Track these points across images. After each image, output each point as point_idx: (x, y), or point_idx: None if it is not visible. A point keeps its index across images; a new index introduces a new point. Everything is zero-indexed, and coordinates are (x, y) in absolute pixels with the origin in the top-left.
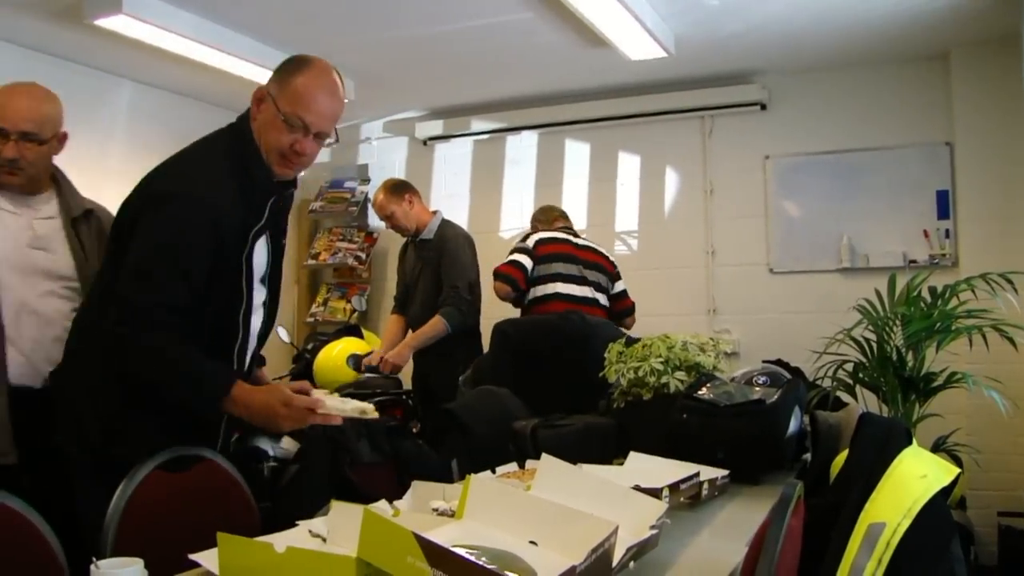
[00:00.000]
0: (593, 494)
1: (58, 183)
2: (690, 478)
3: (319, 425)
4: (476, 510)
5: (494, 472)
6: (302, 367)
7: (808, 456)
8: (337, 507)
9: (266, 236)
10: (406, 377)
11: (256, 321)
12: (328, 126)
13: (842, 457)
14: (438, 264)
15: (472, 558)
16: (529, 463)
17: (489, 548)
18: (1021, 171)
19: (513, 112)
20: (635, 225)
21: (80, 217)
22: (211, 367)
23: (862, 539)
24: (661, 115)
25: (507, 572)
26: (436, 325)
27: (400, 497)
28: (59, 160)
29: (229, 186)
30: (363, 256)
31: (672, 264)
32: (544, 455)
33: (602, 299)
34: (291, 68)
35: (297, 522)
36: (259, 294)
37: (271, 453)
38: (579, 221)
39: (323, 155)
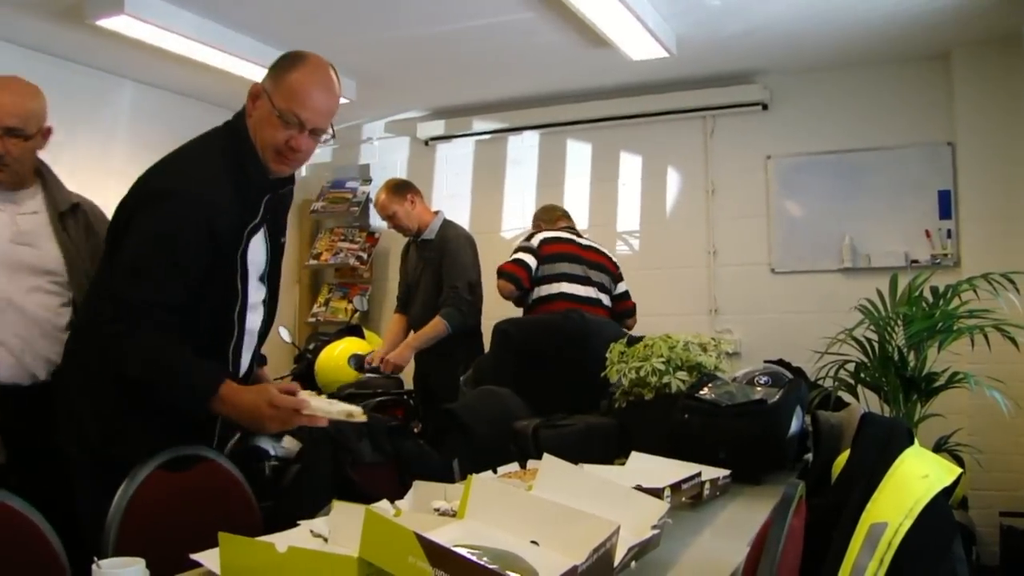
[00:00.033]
0: (595, 494)
1: (43, 177)
2: (692, 478)
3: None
4: (477, 510)
5: (495, 472)
6: (303, 367)
7: (810, 456)
8: (338, 507)
9: (264, 234)
10: (407, 377)
11: (255, 319)
12: (324, 122)
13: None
14: (439, 264)
15: (474, 558)
16: (530, 463)
17: (491, 548)
18: (1023, 171)
19: (515, 112)
20: (637, 225)
21: (67, 211)
22: (200, 366)
23: (864, 539)
24: (663, 115)
25: (509, 572)
26: (437, 326)
27: (401, 497)
28: (62, 160)
29: (225, 183)
30: (365, 256)
31: (674, 264)
32: (545, 455)
33: (605, 300)
34: (286, 64)
35: (299, 522)
36: (258, 292)
37: (272, 452)
38: (581, 221)
39: (325, 155)
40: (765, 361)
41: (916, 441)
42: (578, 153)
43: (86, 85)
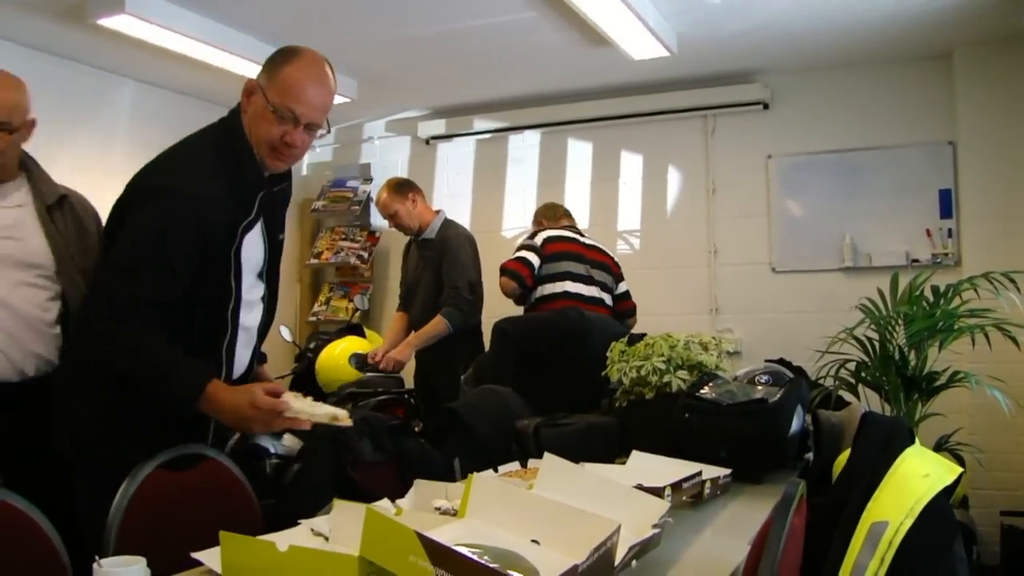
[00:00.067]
0: (595, 493)
1: (29, 170)
2: (692, 477)
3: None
4: (478, 509)
5: (496, 471)
6: (304, 366)
7: (810, 455)
8: (339, 506)
9: (260, 231)
10: (408, 376)
11: (253, 317)
12: (319, 117)
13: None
14: (439, 264)
15: (475, 557)
16: (531, 462)
17: (491, 547)
18: None
19: (515, 111)
20: (637, 224)
21: (54, 204)
22: (187, 365)
23: (864, 538)
24: (663, 114)
25: (509, 571)
26: (437, 325)
27: (402, 496)
28: (62, 159)
29: (218, 180)
30: (365, 255)
31: (674, 263)
32: (546, 454)
33: (607, 299)
34: (280, 59)
35: (299, 521)
36: (256, 289)
37: (272, 451)
38: (581, 220)
39: (326, 154)
40: (766, 360)
41: (917, 440)
42: (579, 152)
43: (87, 84)
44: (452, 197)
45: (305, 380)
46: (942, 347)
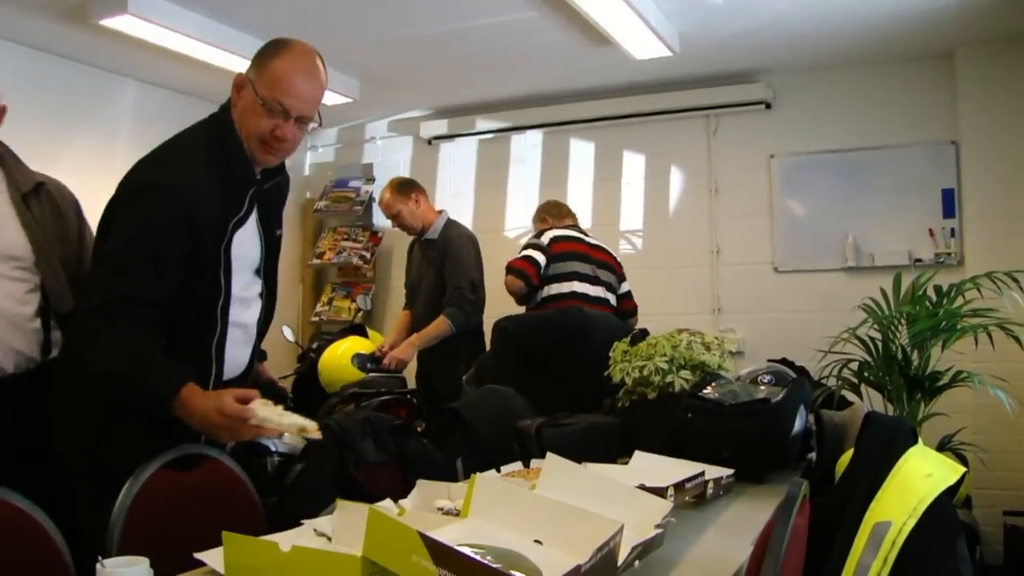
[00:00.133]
0: (598, 493)
1: (2, 159)
2: (695, 477)
3: (329, 422)
4: (481, 509)
5: (499, 471)
6: (307, 366)
7: (813, 455)
8: (342, 506)
9: (255, 227)
10: (410, 375)
11: (249, 314)
12: (309, 110)
13: (847, 456)
14: (442, 264)
15: (477, 557)
16: (534, 462)
17: (494, 547)
18: None
19: (518, 111)
20: (640, 224)
21: (30, 192)
22: (165, 366)
23: (867, 538)
24: (665, 114)
25: (512, 571)
26: (440, 325)
27: (405, 496)
28: (64, 159)
29: (208, 176)
30: (368, 255)
31: (677, 263)
32: (549, 454)
33: (612, 300)
34: (269, 51)
35: (302, 521)
36: (252, 286)
37: (274, 448)
38: (584, 220)
39: (328, 154)
40: (768, 360)
41: (920, 440)
42: (581, 152)
43: (89, 84)
44: (454, 197)
45: (307, 380)
46: (945, 347)
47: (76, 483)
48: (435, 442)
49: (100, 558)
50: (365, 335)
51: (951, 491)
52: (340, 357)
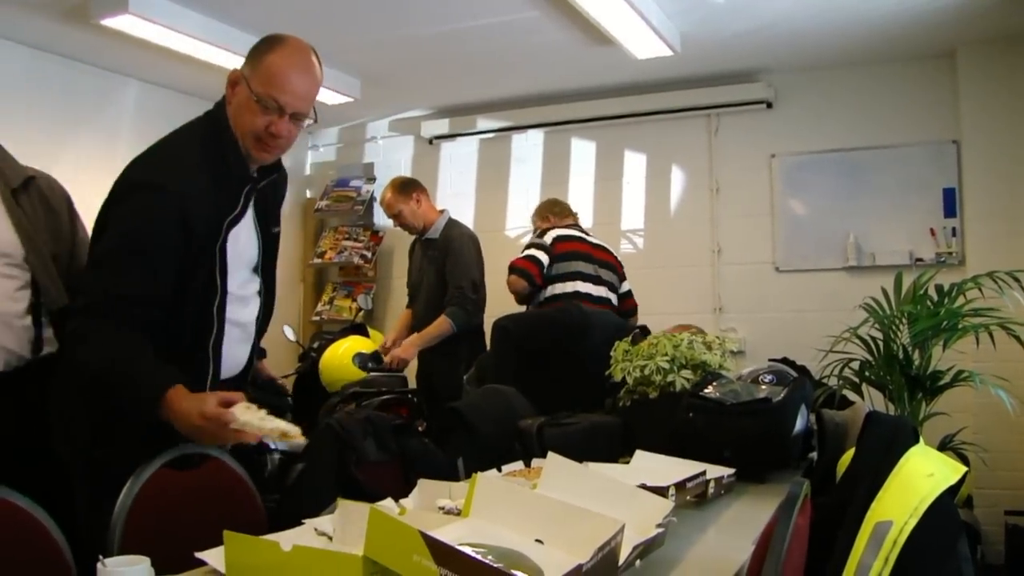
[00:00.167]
0: (599, 493)
1: None
2: (696, 477)
3: (330, 421)
4: (482, 509)
5: (500, 470)
6: (308, 366)
7: (814, 455)
8: (343, 506)
9: (252, 225)
10: (410, 375)
11: (247, 312)
12: (304, 106)
13: (849, 455)
14: (443, 263)
15: (479, 557)
16: (535, 461)
17: (495, 547)
18: None
19: (519, 111)
20: (641, 224)
21: (20, 187)
22: (152, 367)
23: (869, 538)
24: (667, 113)
25: (514, 571)
26: (442, 325)
27: (406, 495)
28: (66, 159)
29: (202, 174)
30: (369, 255)
31: (678, 263)
32: (550, 453)
33: (614, 299)
34: (264, 47)
35: (303, 521)
36: (251, 284)
37: (273, 446)
38: (585, 220)
39: (329, 154)
40: (769, 360)
41: (921, 439)
42: (582, 152)
43: (91, 84)
44: (455, 196)
45: (308, 380)
46: (946, 346)
47: (76, 483)
48: (436, 441)
49: (101, 557)
50: (366, 334)
51: (952, 491)
52: (341, 356)
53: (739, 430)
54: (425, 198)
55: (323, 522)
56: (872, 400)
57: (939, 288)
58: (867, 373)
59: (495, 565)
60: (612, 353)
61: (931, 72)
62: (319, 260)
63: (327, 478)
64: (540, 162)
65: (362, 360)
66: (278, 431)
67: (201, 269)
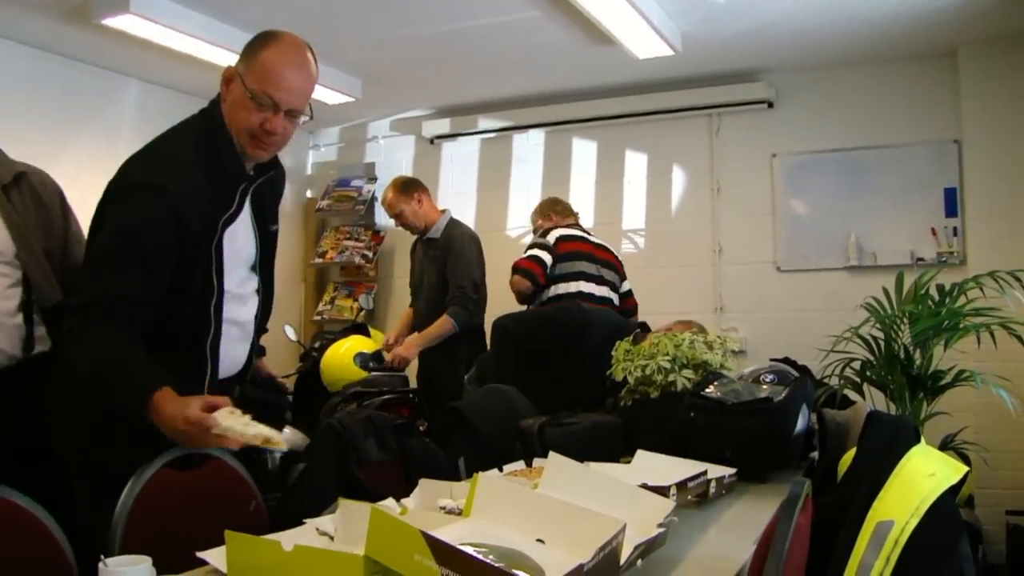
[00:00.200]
0: (600, 492)
1: None
2: (697, 476)
3: (331, 421)
4: (483, 508)
5: (501, 470)
6: (309, 366)
7: (816, 454)
8: (344, 505)
9: (249, 223)
10: (411, 375)
11: (247, 311)
12: (299, 102)
13: (850, 455)
14: (444, 263)
15: (480, 556)
16: (536, 461)
17: (497, 546)
18: None
19: (520, 110)
20: (642, 223)
21: (11, 183)
22: (142, 368)
23: (870, 537)
24: (668, 113)
25: (515, 570)
26: (444, 324)
27: (407, 495)
28: (67, 158)
29: (196, 173)
30: (370, 255)
31: (679, 262)
32: (551, 453)
33: (615, 299)
34: (258, 43)
35: (304, 520)
36: (249, 283)
37: None
38: (586, 219)
39: (330, 154)
40: (771, 359)
41: (922, 439)
42: (583, 151)
43: (92, 84)
44: (456, 196)
45: (310, 380)
46: (947, 346)
47: (75, 483)
48: (437, 441)
49: (103, 557)
50: (367, 334)
51: (954, 490)
52: (342, 356)
53: (740, 430)
54: (426, 198)
55: (324, 522)
56: (873, 400)
57: (940, 288)
58: (868, 373)
59: (496, 565)
60: (613, 353)
61: (932, 72)
62: (320, 260)
63: (328, 478)
64: (541, 162)
65: (363, 360)
66: (261, 437)
67: (198, 268)
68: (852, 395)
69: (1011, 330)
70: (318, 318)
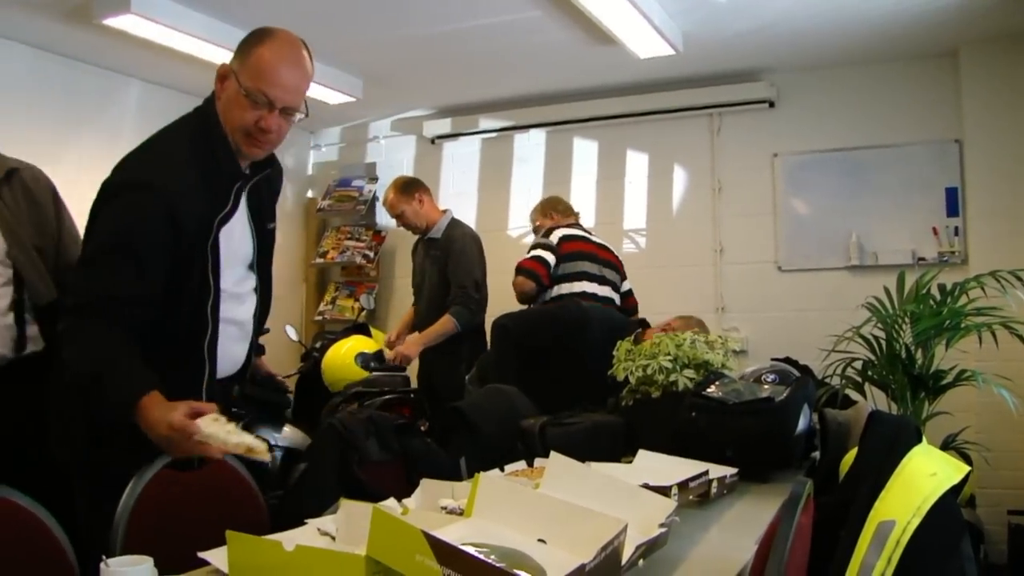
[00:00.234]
0: (602, 492)
1: None
2: (699, 476)
3: (332, 421)
4: (485, 508)
5: (503, 470)
6: (310, 366)
7: (817, 454)
8: (346, 505)
9: (246, 221)
10: (412, 375)
11: (245, 310)
12: (294, 100)
13: (851, 455)
14: (445, 263)
15: (481, 556)
16: (538, 461)
17: (498, 546)
18: None
19: (521, 110)
20: (643, 223)
21: (2, 180)
22: (131, 370)
23: (872, 537)
24: (669, 113)
25: (516, 570)
26: (445, 324)
27: (409, 495)
28: (67, 158)
29: (191, 172)
30: (371, 255)
31: (680, 262)
32: (553, 453)
33: (617, 299)
34: (253, 41)
35: (306, 520)
36: (247, 281)
37: (272, 442)
38: (587, 219)
39: (331, 154)
40: (772, 359)
41: (924, 439)
42: (584, 151)
43: (93, 84)
44: (458, 196)
45: (311, 380)
46: (949, 345)
47: (75, 483)
48: (439, 441)
49: (104, 557)
50: (368, 334)
51: (955, 490)
52: (343, 356)
53: (742, 429)
54: (428, 198)
55: (326, 522)
56: (875, 400)
57: (942, 287)
58: (870, 372)
59: (498, 565)
60: (615, 352)
61: (933, 71)
62: (321, 260)
63: (330, 478)
64: (542, 162)
65: (364, 360)
66: (243, 446)
67: (194, 268)
68: (853, 395)
69: (1012, 330)
70: (319, 318)
